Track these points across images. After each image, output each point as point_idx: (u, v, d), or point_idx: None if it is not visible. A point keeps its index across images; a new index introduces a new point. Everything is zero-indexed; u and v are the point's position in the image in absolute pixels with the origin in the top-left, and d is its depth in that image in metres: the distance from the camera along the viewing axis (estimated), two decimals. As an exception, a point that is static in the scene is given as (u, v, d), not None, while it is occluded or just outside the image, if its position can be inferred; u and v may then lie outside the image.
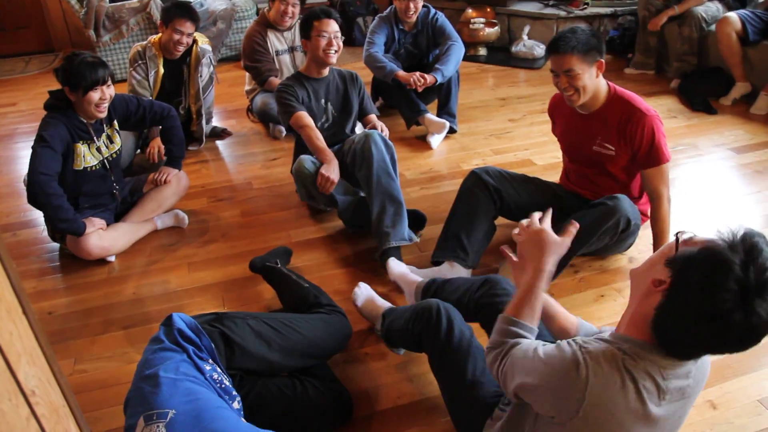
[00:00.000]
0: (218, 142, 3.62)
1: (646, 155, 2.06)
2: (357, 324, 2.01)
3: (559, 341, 1.15)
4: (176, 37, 3.05)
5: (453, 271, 2.16)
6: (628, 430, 1.07)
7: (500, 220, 2.40)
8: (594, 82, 2.03)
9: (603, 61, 2.02)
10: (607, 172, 2.19)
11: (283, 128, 3.59)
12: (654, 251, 2.14)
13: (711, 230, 1.01)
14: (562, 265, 2.03)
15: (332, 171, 2.44)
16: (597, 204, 2.06)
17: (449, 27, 3.61)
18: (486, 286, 1.71)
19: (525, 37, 4.92)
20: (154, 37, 3.16)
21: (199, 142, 3.50)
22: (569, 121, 2.26)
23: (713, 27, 3.89)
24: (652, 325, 1.05)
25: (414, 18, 3.54)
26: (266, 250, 2.37)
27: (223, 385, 1.38)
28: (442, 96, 3.54)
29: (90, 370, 1.94)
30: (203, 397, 1.26)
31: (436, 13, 3.62)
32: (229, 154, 3.50)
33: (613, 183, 2.21)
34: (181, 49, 3.12)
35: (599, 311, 2.09)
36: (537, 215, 1.38)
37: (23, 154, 3.56)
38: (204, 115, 3.41)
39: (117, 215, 2.63)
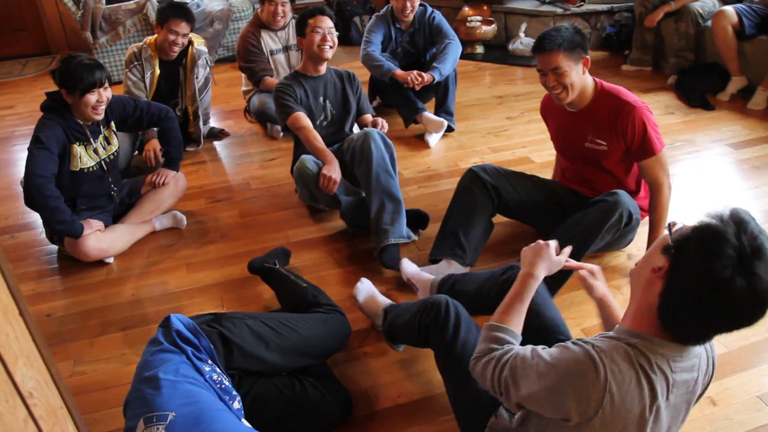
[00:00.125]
0: (216, 143, 3.62)
1: (640, 147, 2.07)
2: (356, 323, 2.01)
3: (561, 343, 1.14)
4: (171, 37, 3.05)
5: (451, 269, 2.16)
6: (639, 425, 1.08)
7: (499, 219, 2.41)
8: (581, 78, 2.05)
9: (588, 57, 2.05)
10: (603, 167, 2.19)
11: (280, 128, 3.59)
12: (649, 243, 2.15)
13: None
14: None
15: (334, 171, 2.44)
16: (596, 202, 2.06)
17: (446, 25, 3.61)
18: (511, 270, 1.75)
19: (522, 34, 4.92)
20: (150, 38, 3.16)
21: (197, 143, 3.49)
22: (560, 120, 2.27)
23: (710, 22, 3.89)
24: (659, 313, 1.06)
25: (411, 17, 3.54)
26: (265, 251, 2.37)
27: (222, 386, 1.38)
28: (440, 94, 3.54)
29: (89, 372, 1.94)
30: (203, 399, 1.26)
31: (433, 12, 3.61)
32: (226, 154, 3.50)
33: (609, 178, 2.22)
34: (177, 49, 3.11)
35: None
36: (554, 243, 1.45)
37: (21, 157, 3.55)
38: (201, 117, 3.40)
39: (115, 217, 2.63)
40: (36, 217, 2.77)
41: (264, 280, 2.19)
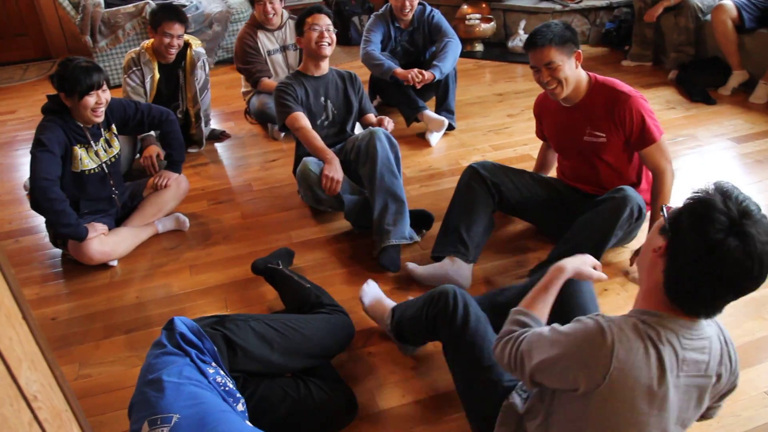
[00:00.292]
0: (217, 145, 3.62)
1: (640, 136, 2.08)
2: (360, 323, 2.01)
3: (577, 317, 1.19)
4: (166, 40, 3.05)
5: (454, 266, 2.16)
6: (648, 399, 1.09)
7: (499, 216, 2.41)
8: (575, 72, 2.07)
9: (580, 51, 2.06)
10: (603, 160, 2.19)
11: (280, 131, 3.59)
12: (648, 230, 2.15)
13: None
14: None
15: (335, 170, 2.44)
16: (603, 200, 2.06)
17: (445, 24, 3.60)
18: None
19: (521, 32, 4.91)
20: (147, 43, 3.16)
21: (199, 145, 3.50)
22: (556, 116, 2.27)
23: (709, 17, 3.88)
24: (665, 289, 1.10)
25: (410, 16, 3.53)
26: (268, 252, 2.37)
27: (226, 388, 1.38)
28: (440, 93, 3.53)
29: (94, 375, 1.94)
30: (207, 401, 1.26)
31: (432, 11, 3.61)
32: (228, 156, 3.50)
33: (610, 171, 2.21)
34: (173, 51, 3.11)
35: (603, 305, 2.08)
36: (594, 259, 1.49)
37: (23, 161, 3.56)
38: (203, 118, 3.41)
39: (118, 220, 2.63)
40: (39, 222, 2.78)
41: (267, 281, 2.19)
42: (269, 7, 3.52)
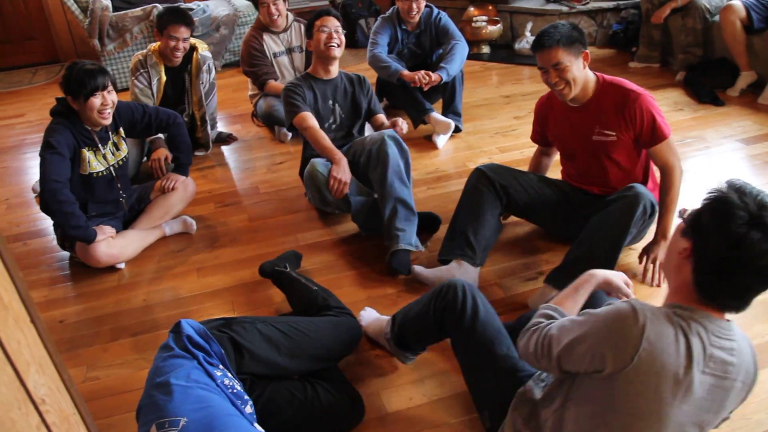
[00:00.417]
0: (224, 148, 3.63)
1: (650, 134, 2.08)
2: (367, 325, 2.00)
3: (609, 300, 1.22)
4: (172, 43, 3.06)
5: (461, 269, 2.15)
6: (672, 388, 1.09)
7: (507, 221, 2.40)
8: (582, 72, 2.07)
9: (587, 51, 2.07)
10: (612, 159, 2.18)
11: (287, 130, 3.60)
12: (659, 225, 2.14)
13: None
14: None
15: (343, 172, 2.44)
16: (614, 200, 2.04)
17: (452, 26, 3.60)
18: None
19: (528, 33, 4.90)
20: (153, 45, 3.17)
21: (206, 147, 3.51)
22: (563, 117, 2.26)
23: (717, 17, 3.86)
24: (696, 287, 1.12)
25: (417, 18, 3.54)
26: (275, 254, 2.37)
27: (234, 390, 1.38)
28: (447, 95, 3.53)
29: (102, 378, 1.94)
30: (215, 405, 1.26)
31: (439, 13, 3.61)
32: (234, 159, 3.51)
33: (617, 170, 2.21)
34: (179, 54, 3.12)
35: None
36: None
37: (32, 165, 3.58)
38: (209, 121, 3.42)
39: (125, 223, 2.64)
40: (48, 224, 2.79)
41: (275, 283, 2.19)
42: (273, 8, 3.53)
